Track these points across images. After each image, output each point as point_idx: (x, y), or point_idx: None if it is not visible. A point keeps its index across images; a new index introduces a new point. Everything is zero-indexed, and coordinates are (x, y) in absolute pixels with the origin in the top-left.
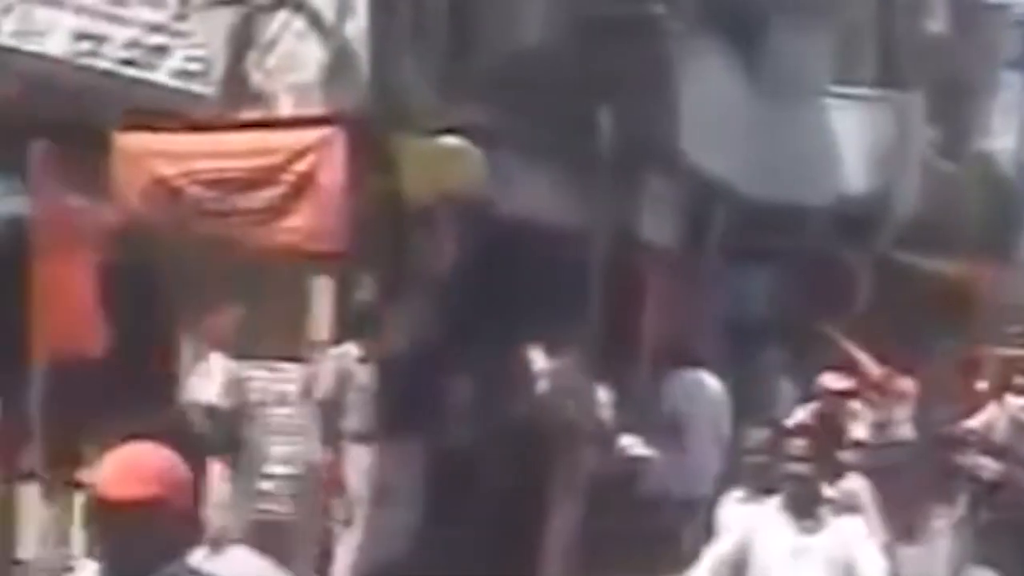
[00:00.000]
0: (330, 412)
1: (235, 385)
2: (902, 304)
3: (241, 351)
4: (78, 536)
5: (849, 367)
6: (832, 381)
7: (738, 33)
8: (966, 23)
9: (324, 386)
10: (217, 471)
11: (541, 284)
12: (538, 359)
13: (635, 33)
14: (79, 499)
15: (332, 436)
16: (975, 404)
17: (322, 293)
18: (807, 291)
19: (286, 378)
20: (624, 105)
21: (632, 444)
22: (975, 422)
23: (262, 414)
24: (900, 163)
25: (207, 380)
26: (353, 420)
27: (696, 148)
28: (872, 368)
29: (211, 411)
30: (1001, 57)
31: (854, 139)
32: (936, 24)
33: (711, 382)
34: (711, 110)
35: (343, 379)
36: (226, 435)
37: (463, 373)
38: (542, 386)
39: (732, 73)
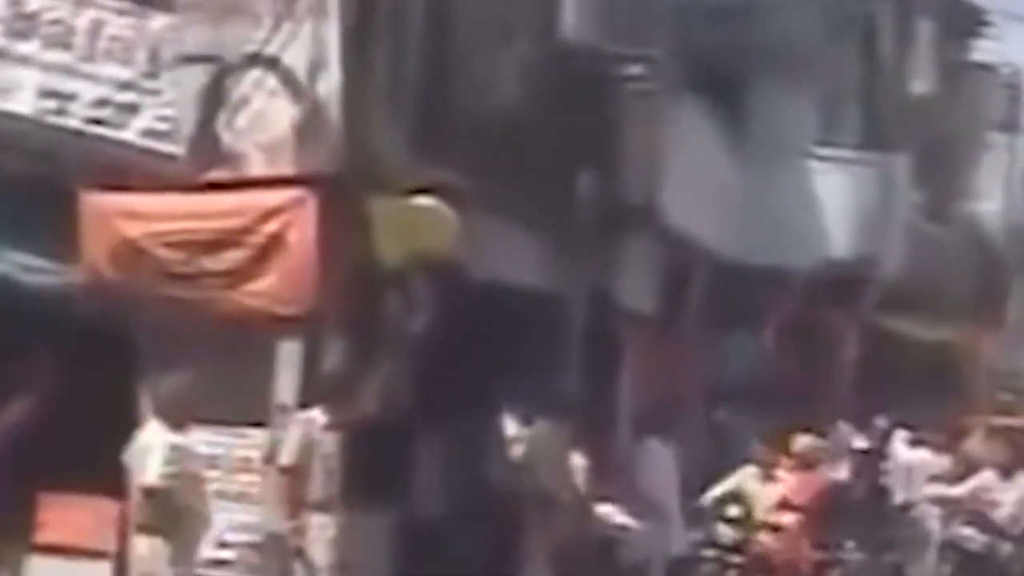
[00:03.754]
0: (295, 480)
1: (177, 458)
2: (888, 369)
3: (203, 416)
4: None
5: None
6: None
7: (720, 94)
8: (951, 84)
9: (289, 453)
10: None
11: (516, 349)
12: (512, 426)
13: (614, 94)
14: (33, 564)
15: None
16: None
17: (289, 357)
18: (791, 356)
19: (250, 444)
20: (603, 167)
21: (610, 512)
22: (961, 489)
23: (207, 485)
24: (884, 226)
25: (145, 456)
26: (318, 488)
27: (677, 210)
28: None
29: (149, 492)
30: (987, 118)
31: (838, 201)
32: (921, 85)
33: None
34: (692, 172)
35: (307, 447)
36: (165, 512)
37: (434, 440)
38: (516, 453)
39: (714, 134)
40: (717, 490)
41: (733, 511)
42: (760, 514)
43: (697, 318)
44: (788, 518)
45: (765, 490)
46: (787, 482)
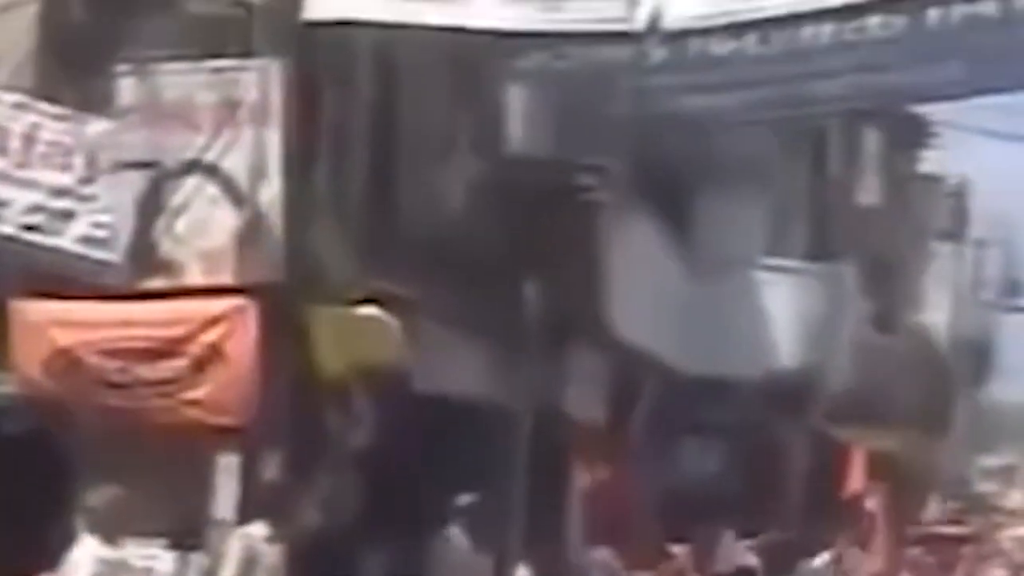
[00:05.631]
0: None
1: (107, 573)
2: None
3: (138, 530)
4: None
5: None
6: None
7: (668, 205)
8: (898, 195)
9: (230, 569)
10: None
11: (462, 462)
12: (457, 539)
13: (563, 204)
14: None
15: None
16: None
17: (227, 470)
18: (740, 466)
19: (186, 560)
20: (550, 277)
21: None
22: None
23: None
24: (831, 336)
25: (74, 573)
26: None
27: (625, 321)
28: None
29: None
30: (933, 228)
31: (785, 312)
32: (868, 196)
33: None
34: (640, 282)
35: (249, 562)
36: None
37: (377, 554)
38: (458, 565)
39: (662, 245)
40: None
41: None
42: None
43: (647, 429)
44: None
45: None
46: None
